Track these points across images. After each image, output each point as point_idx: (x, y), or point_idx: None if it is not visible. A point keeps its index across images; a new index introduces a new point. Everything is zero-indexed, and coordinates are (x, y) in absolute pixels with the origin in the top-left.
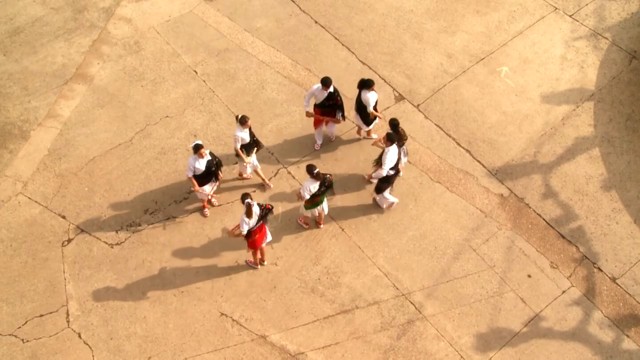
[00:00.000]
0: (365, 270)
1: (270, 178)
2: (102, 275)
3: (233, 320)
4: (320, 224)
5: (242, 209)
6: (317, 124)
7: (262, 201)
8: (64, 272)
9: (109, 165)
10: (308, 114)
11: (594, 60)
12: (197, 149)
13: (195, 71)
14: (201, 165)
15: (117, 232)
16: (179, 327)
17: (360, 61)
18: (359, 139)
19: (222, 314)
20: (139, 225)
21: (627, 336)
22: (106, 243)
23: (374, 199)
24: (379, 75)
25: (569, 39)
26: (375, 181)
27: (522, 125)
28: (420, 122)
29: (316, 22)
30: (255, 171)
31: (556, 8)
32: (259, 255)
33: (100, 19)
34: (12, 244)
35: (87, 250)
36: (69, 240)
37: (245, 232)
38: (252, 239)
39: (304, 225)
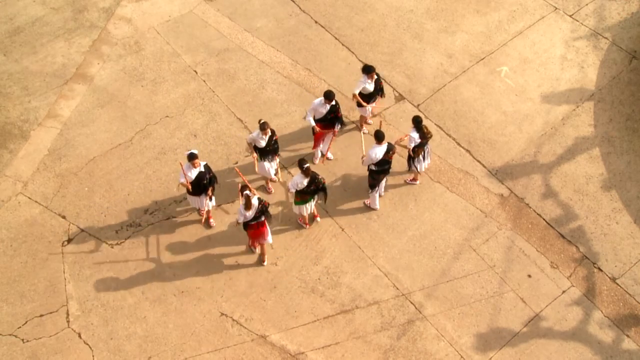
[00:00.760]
0: (365, 270)
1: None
2: (102, 275)
3: (233, 320)
4: (317, 217)
5: (241, 200)
6: (318, 140)
7: None
8: (64, 272)
9: (109, 165)
10: (315, 130)
11: (594, 60)
12: (191, 158)
13: (195, 71)
14: (192, 174)
15: (117, 232)
16: (179, 327)
17: (360, 61)
18: (359, 140)
19: (222, 314)
20: (139, 225)
21: (627, 336)
22: (106, 243)
23: (364, 202)
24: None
25: (569, 39)
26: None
27: (522, 125)
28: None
29: (316, 22)
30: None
31: (556, 8)
32: (257, 251)
33: (100, 19)
34: (12, 244)
35: (87, 250)
36: (69, 240)
37: (240, 221)
38: (250, 231)
39: (304, 225)
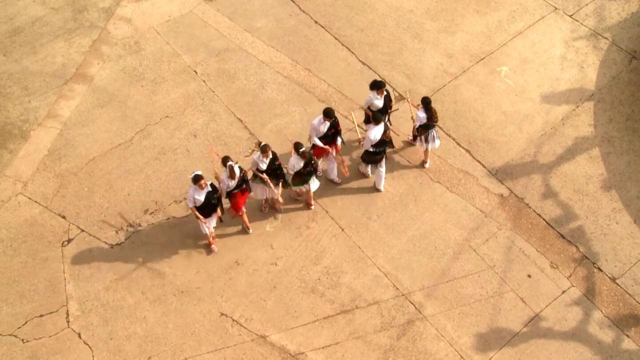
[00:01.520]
0: (365, 270)
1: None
2: (102, 275)
3: (233, 320)
4: (311, 205)
5: (224, 171)
6: (320, 154)
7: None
8: (64, 272)
9: (109, 165)
10: (320, 149)
11: (594, 60)
12: (197, 180)
13: (195, 71)
14: (200, 196)
15: (117, 232)
16: (179, 327)
17: (360, 61)
18: (359, 140)
19: (222, 314)
20: (139, 225)
21: (627, 336)
22: (106, 243)
23: (358, 168)
24: (379, 75)
25: (569, 39)
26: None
27: (522, 125)
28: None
29: (316, 22)
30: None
31: (556, 8)
32: (246, 222)
33: (100, 19)
34: (12, 244)
35: (87, 250)
36: (69, 240)
37: (224, 192)
38: (234, 200)
39: (297, 197)
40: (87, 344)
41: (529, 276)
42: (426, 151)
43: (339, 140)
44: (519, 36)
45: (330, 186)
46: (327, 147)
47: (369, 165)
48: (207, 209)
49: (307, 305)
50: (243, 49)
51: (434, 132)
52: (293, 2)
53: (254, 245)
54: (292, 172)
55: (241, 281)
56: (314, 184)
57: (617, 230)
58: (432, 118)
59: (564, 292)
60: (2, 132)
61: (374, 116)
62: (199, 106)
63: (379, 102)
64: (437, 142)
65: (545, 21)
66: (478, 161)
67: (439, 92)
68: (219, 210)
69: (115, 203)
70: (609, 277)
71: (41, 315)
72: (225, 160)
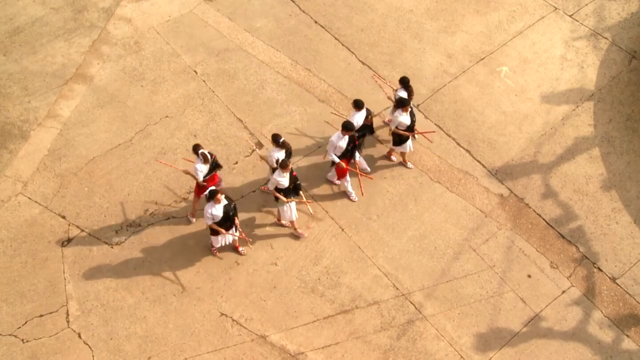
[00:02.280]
0: (365, 270)
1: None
2: (102, 275)
3: (233, 320)
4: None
5: (196, 159)
6: (344, 175)
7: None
8: (64, 272)
9: (109, 165)
10: (340, 166)
11: (594, 60)
12: (214, 195)
13: (195, 71)
14: (218, 211)
15: (117, 232)
16: (179, 327)
17: (360, 61)
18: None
19: (222, 314)
20: (139, 225)
21: (627, 336)
22: (106, 243)
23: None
24: (379, 75)
25: (569, 39)
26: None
27: (522, 125)
28: (420, 122)
29: (316, 22)
30: (291, 222)
31: (556, 8)
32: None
33: (100, 19)
34: (12, 244)
35: (87, 250)
36: (69, 240)
37: (201, 178)
38: (206, 186)
39: (268, 192)
40: (87, 344)
41: (529, 276)
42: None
43: (357, 156)
44: (519, 36)
45: (330, 186)
46: (347, 165)
47: (360, 158)
48: (226, 222)
49: (307, 305)
50: (243, 49)
51: (412, 108)
52: (293, 2)
53: (254, 245)
54: (275, 165)
55: (241, 281)
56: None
57: (617, 230)
58: (410, 95)
59: (564, 292)
60: (2, 132)
61: (355, 102)
62: (199, 106)
63: (406, 120)
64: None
65: (545, 21)
66: (478, 161)
67: (439, 92)
68: (236, 221)
69: (115, 203)
70: (609, 277)
71: (41, 315)
72: (196, 148)
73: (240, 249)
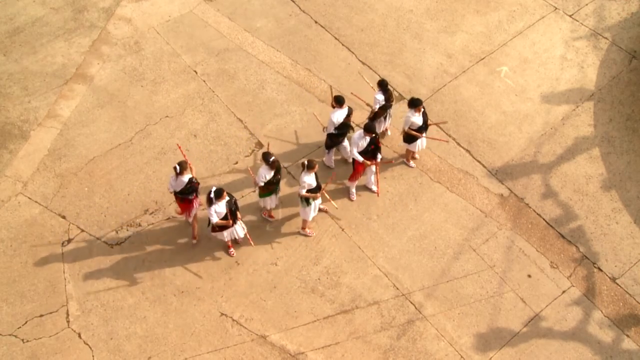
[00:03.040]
0: (365, 270)
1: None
2: (102, 275)
3: (233, 320)
4: (272, 217)
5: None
6: (359, 172)
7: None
8: (64, 272)
9: (109, 165)
10: (365, 165)
11: (594, 60)
12: (220, 194)
13: (195, 71)
14: (222, 207)
15: (117, 232)
16: (179, 327)
17: (360, 61)
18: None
19: (222, 314)
20: (139, 225)
21: (627, 336)
22: (106, 243)
23: (322, 160)
24: (379, 75)
25: (569, 38)
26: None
27: (522, 125)
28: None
29: (316, 22)
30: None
31: (556, 8)
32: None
33: (100, 19)
34: (12, 244)
35: (87, 250)
36: (69, 240)
37: (171, 191)
38: (181, 203)
39: (269, 218)
40: (87, 344)
41: (529, 276)
42: (384, 132)
43: (379, 157)
44: (519, 36)
45: (330, 186)
46: (367, 161)
47: (332, 154)
48: (229, 217)
49: (307, 305)
50: (243, 49)
51: (389, 112)
52: (293, 2)
53: (254, 245)
54: (261, 183)
55: (241, 281)
56: (276, 198)
57: (617, 230)
58: (389, 99)
59: (564, 292)
60: (2, 132)
61: (336, 98)
62: (199, 106)
63: (418, 120)
64: (388, 123)
65: (545, 21)
66: (478, 161)
67: (439, 92)
68: (238, 215)
69: (115, 203)
70: (609, 277)
71: (41, 315)
72: (180, 165)
73: (231, 249)
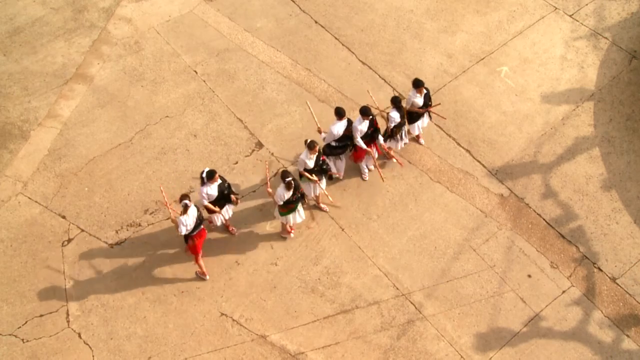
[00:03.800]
0: (365, 270)
1: (271, 178)
2: (102, 275)
3: (233, 320)
4: (291, 231)
5: (179, 209)
6: (363, 156)
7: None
8: (64, 272)
9: (109, 165)
10: (366, 152)
11: (594, 60)
12: (212, 176)
13: (195, 71)
14: (213, 190)
15: (117, 232)
16: (179, 327)
17: (360, 61)
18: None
19: (222, 314)
20: (139, 225)
21: (627, 336)
22: (106, 243)
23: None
24: (378, 75)
25: (569, 39)
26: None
27: (522, 125)
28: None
29: (316, 22)
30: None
31: (556, 8)
32: (202, 267)
33: (100, 19)
34: (12, 244)
35: (87, 250)
36: (69, 240)
37: (182, 233)
38: (192, 243)
39: (285, 236)
40: (87, 344)
41: (529, 276)
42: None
43: (381, 139)
44: (519, 36)
45: (330, 186)
46: (369, 148)
47: (331, 161)
48: (220, 200)
49: (307, 305)
50: (243, 49)
51: (405, 129)
52: (293, 2)
53: (254, 245)
54: (280, 203)
55: (241, 281)
56: (300, 214)
57: (617, 230)
58: (403, 116)
59: (564, 292)
60: (2, 132)
61: (337, 111)
62: (199, 106)
63: (419, 100)
64: (406, 140)
65: (545, 21)
66: (478, 161)
67: (439, 92)
68: (233, 197)
69: (115, 203)
70: (609, 277)
71: (41, 315)
72: (182, 198)
73: (231, 228)
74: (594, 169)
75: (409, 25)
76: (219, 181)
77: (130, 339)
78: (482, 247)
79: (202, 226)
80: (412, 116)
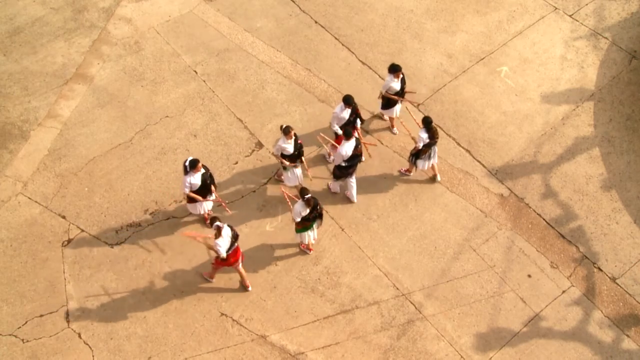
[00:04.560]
0: (365, 270)
1: (270, 178)
2: (102, 275)
3: (233, 320)
4: (311, 250)
5: (212, 232)
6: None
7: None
8: (64, 272)
9: (109, 165)
10: (341, 137)
11: (594, 60)
12: (195, 165)
13: (195, 71)
14: (197, 179)
15: (117, 232)
16: (179, 327)
17: (360, 61)
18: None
19: (222, 314)
20: (139, 225)
21: (627, 336)
22: (106, 243)
23: (327, 184)
24: (378, 75)
25: (569, 38)
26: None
27: (522, 125)
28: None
29: (316, 22)
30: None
31: (556, 8)
32: (245, 277)
33: (100, 19)
34: (12, 244)
35: (87, 250)
36: (69, 240)
37: (223, 255)
38: (224, 261)
39: (308, 251)
40: (87, 344)
41: (529, 276)
42: (433, 166)
43: (359, 123)
44: (519, 36)
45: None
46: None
47: (339, 183)
48: (203, 189)
49: (307, 305)
50: (243, 49)
51: (434, 149)
52: (293, 2)
53: (254, 245)
54: (297, 219)
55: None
56: (313, 233)
57: (617, 230)
58: (433, 137)
59: (564, 292)
60: (2, 132)
61: (345, 132)
62: (199, 106)
63: (396, 85)
64: (434, 160)
65: (545, 21)
66: (478, 161)
67: (439, 92)
68: (214, 189)
69: (115, 203)
70: (609, 277)
71: (41, 315)
72: (212, 220)
73: (208, 221)
74: (594, 169)
75: (409, 25)
76: (202, 170)
77: (130, 339)
78: (482, 247)
79: (236, 244)
80: (388, 102)
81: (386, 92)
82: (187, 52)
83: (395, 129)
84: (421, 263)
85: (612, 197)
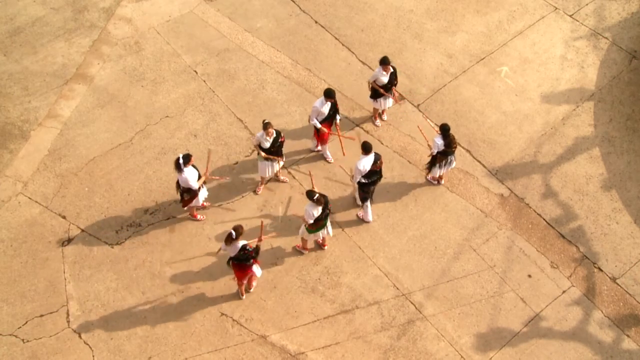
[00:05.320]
0: (365, 270)
1: (270, 178)
2: (102, 275)
3: (233, 320)
4: (325, 246)
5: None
6: (326, 139)
7: (259, 207)
8: (64, 272)
9: (109, 165)
10: (322, 132)
11: (594, 60)
12: (189, 159)
13: (195, 71)
14: (194, 174)
15: (117, 232)
16: (179, 327)
17: (360, 61)
18: (358, 141)
19: (222, 314)
20: (139, 225)
21: (628, 336)
22: (106, 243)
23: (357, 215)
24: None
25: (569, 38)
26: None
27: (522, 125)
28: (420, 122)
29: (316, 22)
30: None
31: (556, 8)
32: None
33: (100, 19)
34: (12, 244)
35: (87, 250)
36: (69, 240)
37: (232, 254)
38: (235, 270)
39: (303, 251)
40: (87, 344)
41: (529, 276)
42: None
43: (338, 118)
44: (519, 36)
45: (330, 186)
46: (323, 128)
47: (368, 205)
48: (197, 180)
49: (307, 305)
50: (243, 49)
51: (452, 158)
52: (293, 2)
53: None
54: (310, 221)
55: None
56: (328, 229)
57: (617, 230)
58: (450, 145)
59: (564, 292)
60: (2, 132)
61: (363, 146)
62: (199, 106)
63: (384, 78)
64: (452, 165)
65: (545, 21)
66: (478, 161)
67: (439, 92)
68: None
69: (116, 203)
70: (609, 277)
71: (41, 315)
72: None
73: (198, 217)
74: (594, 169)
75: (409, 25)
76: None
77: (130, 339)
78: (482, 247)
79: (249, 263)
80: (375, 92)
81: (373, 82)
82: (187, 52)
83: (378, 121)
84: (421, 263)
85: (612, 197)
